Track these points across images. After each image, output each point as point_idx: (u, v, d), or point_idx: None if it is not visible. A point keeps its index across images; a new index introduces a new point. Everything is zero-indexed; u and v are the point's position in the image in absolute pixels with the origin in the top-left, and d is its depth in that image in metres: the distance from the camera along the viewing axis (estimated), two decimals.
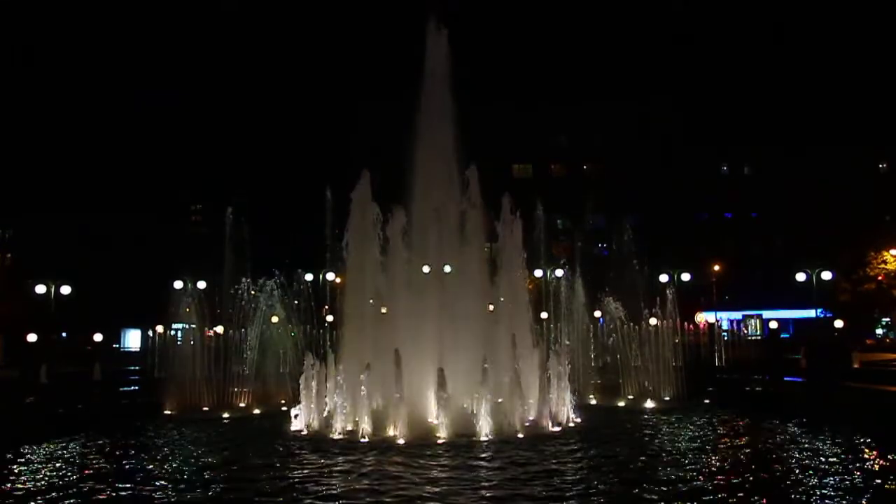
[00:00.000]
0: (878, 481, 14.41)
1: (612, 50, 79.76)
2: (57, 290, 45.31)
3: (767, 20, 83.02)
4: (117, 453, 18.63)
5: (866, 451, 17.51)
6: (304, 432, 21.01)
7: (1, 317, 50.82)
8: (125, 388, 31.77)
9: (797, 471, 15.53)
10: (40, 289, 45.09)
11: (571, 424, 21.70)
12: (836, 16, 78.54)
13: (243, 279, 31.22)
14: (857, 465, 15.92)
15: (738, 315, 75.34)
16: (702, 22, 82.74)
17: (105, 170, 71.21)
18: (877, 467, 15.71)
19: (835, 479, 14.61)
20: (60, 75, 75.69)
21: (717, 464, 16.51)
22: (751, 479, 14.87)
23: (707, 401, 27.72)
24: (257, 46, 79.28)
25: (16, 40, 75.06)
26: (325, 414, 21.43)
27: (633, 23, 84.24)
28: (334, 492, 14.29)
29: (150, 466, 17.01)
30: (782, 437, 20.07)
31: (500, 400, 20.97)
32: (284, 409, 26.21)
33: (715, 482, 14.59)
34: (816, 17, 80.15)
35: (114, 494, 14.37)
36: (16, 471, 16.42)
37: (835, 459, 16.53)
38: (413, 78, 25.75)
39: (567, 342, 30.05)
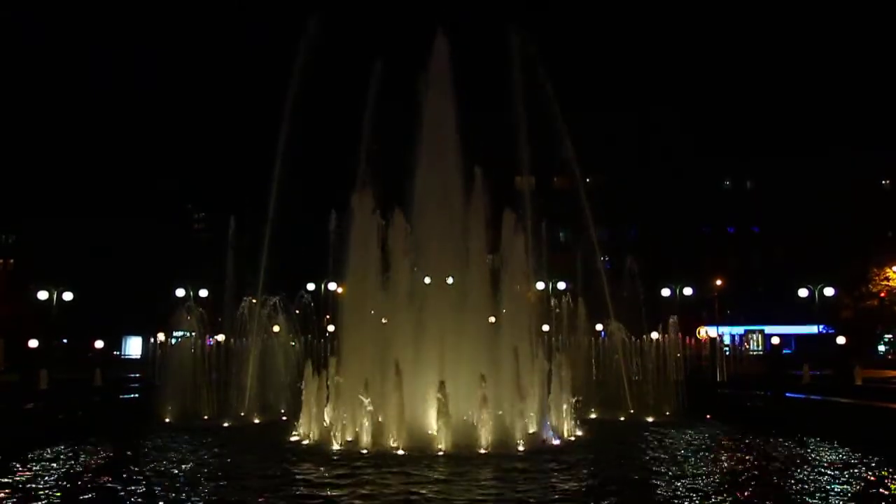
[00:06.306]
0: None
1: (615, 64, 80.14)
2: (59, 296, 45.29)
3: (771, 35, 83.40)
4: (115, 461, 18.53)
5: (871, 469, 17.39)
6: (304, 442, 20.95)
7: (2, 321, 50.86)
8: (125, 396, 31.66)
9: (796, 488, 15.42)
10: (42, 295, 45.07)
11: (572, 438, 21.66)
12: (839, 31, 78.98)
13: (245, 288, 31.17)
14: (861, 483, 15.79)
15: (740, 330, 75.23)
16: (704, 35, 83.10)
17: (108, 175, 71.49)
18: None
19: (839, 498, 14.49)
20: (63, 79, 76.25)
21: (717, 479, 16.39)
22: (747, 495, 14.78)
23: (708, 416, 27.61)
24: (260, 50, 79.76)
25: (16, 44, 75.67)
26: (326, 424, 21.35)
27: (635, 36, 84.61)
28: (333, 502, 14.22)
29: (148, 475, 16.89)
30: (784, 453, 19.95)
31: (500, 412, 20.89)
32: (284, 418, 26.16)
33: (714, 498, 14.50)
34: (820, 31, 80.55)
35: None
36: (11, 478, 16.31)
37: (837, 477, 16.42)
38: (417, 85, 25.77)
39: (568, 355, 29.93)
